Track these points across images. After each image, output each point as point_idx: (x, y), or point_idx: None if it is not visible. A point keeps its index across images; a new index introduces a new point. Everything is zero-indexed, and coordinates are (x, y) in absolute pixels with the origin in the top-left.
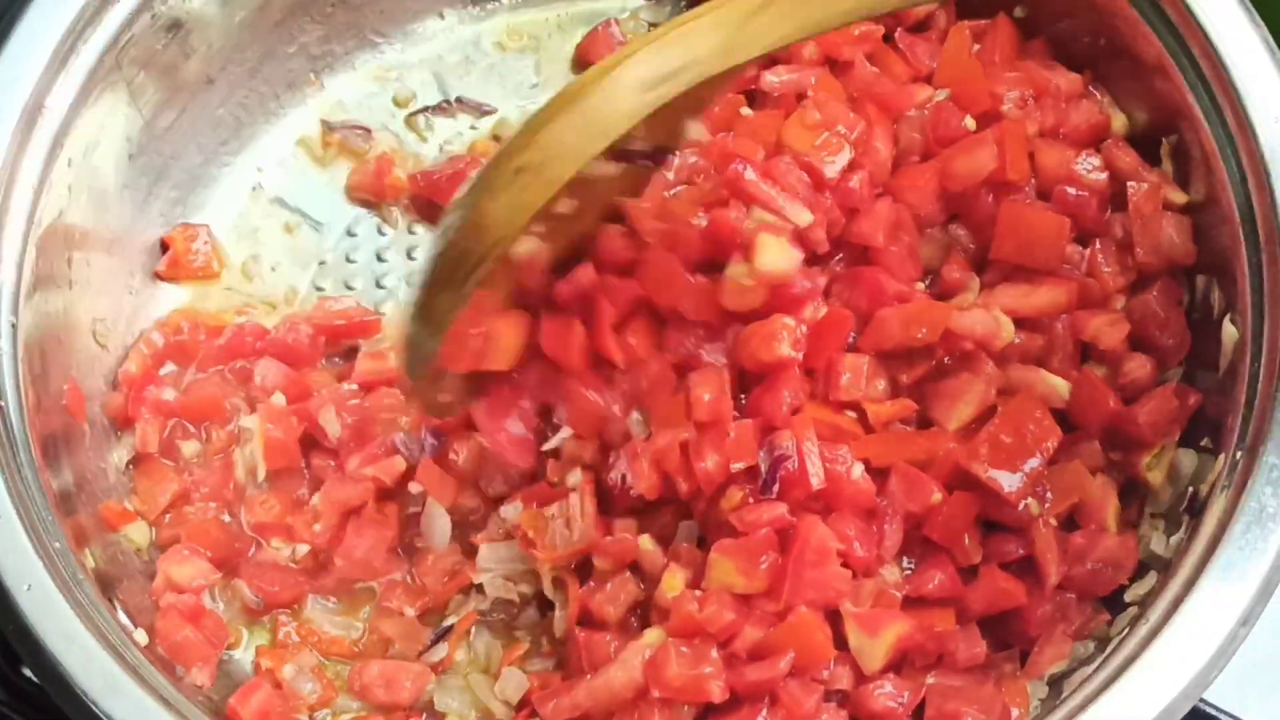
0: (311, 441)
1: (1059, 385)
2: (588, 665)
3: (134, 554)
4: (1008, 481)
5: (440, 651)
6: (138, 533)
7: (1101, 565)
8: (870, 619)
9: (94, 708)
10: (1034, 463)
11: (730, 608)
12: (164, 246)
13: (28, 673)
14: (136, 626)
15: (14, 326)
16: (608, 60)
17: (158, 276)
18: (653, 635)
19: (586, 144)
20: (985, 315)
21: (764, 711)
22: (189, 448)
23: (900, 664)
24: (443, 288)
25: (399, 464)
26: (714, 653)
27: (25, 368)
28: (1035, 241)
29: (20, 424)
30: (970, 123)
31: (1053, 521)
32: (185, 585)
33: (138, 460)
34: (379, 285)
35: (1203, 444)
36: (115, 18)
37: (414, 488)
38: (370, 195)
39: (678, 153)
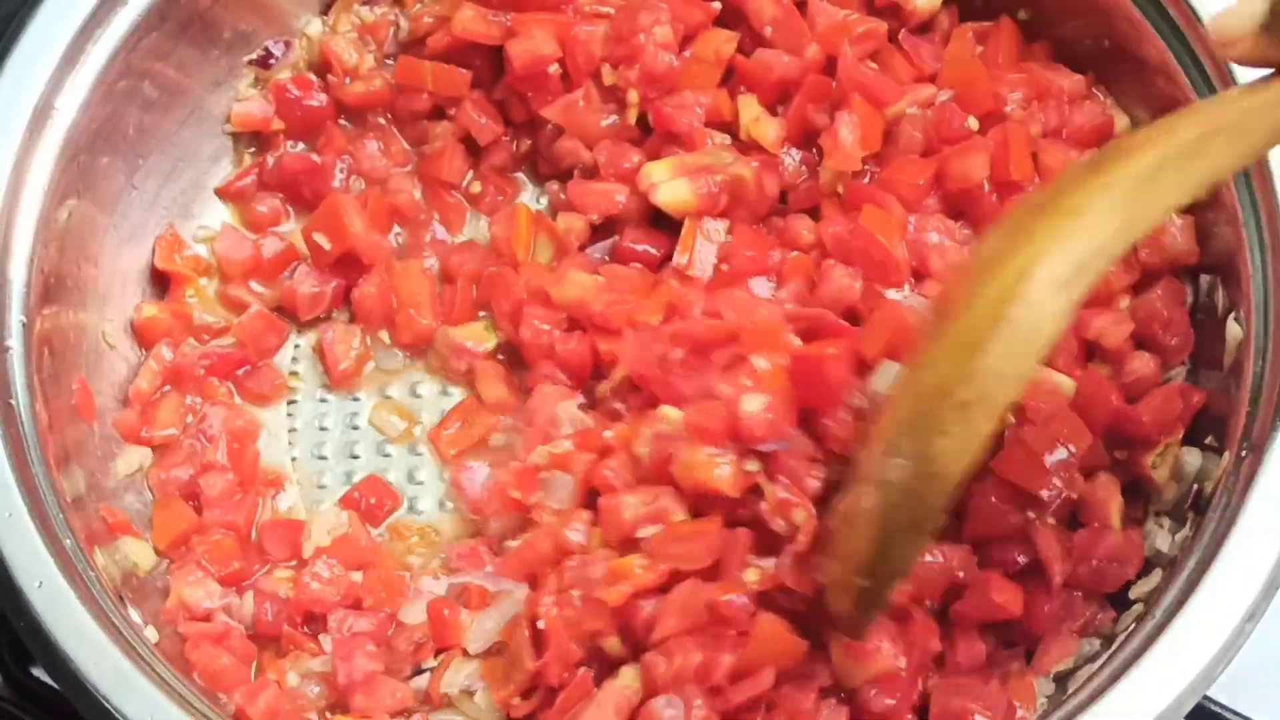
0: None
1: (1064, 383)
2: (563, 701)
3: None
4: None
5: (423, 680)
6: (137, 551)
7: (1107, 561)
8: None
9: (105, 703)
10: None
11: (695, 646)
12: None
13: (35, 672)
14: (147, 624)
15: (24, 325)
16: (996, 253)
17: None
18: (628, 676)
19: (1025, 361)
20: None
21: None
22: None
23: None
24: (902, 536)
25: None
26: (698, 701)
27: (36, 367)
28: None
29: (31, 422)
30: (973, 123)
31: (1051, 520)
32: (197, 607)
33: (155, 488)
34: None
35: (1207, 442)
36: (125, 19)
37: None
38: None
39: None
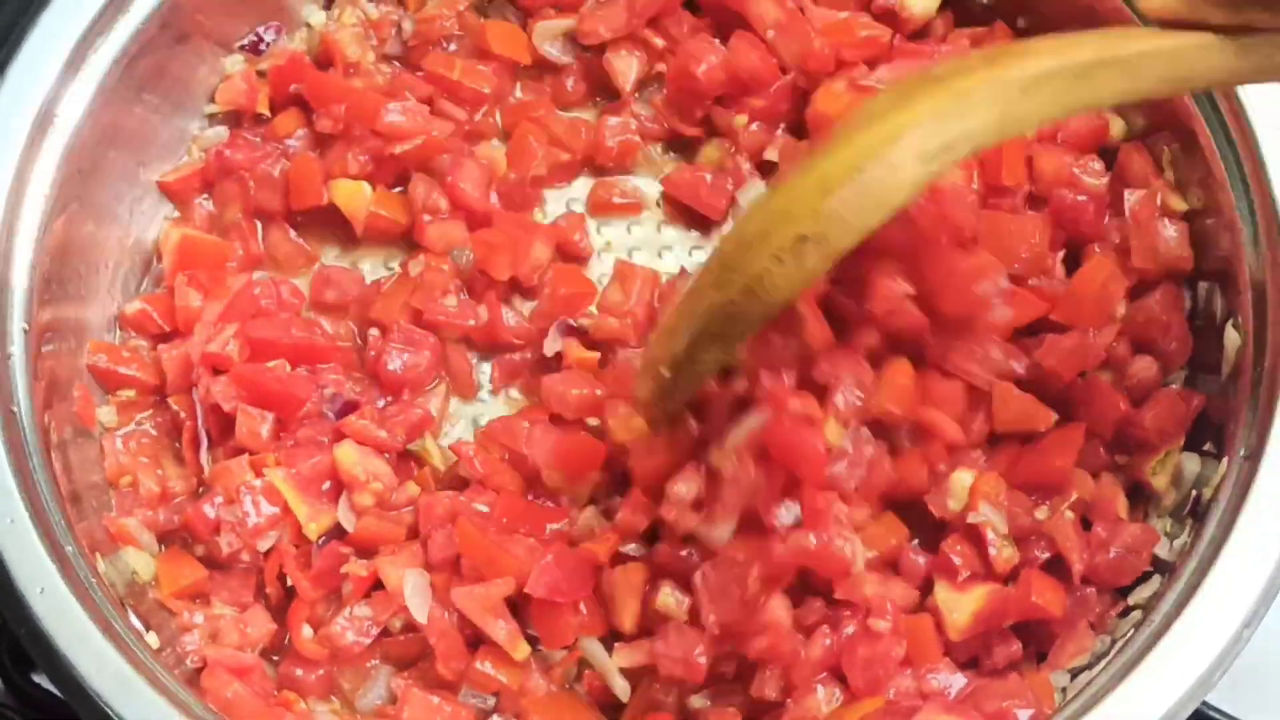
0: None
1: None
2: None
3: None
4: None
5: None
6: (139, 561)
7: (1124, 551)
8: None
9: (107, 710)
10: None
11: None
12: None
13: (36, 678)
14: (149, 629)
15: (25, 332)
16: (879, 110)
17: None
18: None
19: (870, 216)
20: None
21: None
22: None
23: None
24: (713, 342)
25: None
26: None
27: (37, 373)
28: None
29: (33, 429)
30: None
31: (1069, 515)
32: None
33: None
34: None
35: (1206, 448)
36: (126, 27)
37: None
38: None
39: None
